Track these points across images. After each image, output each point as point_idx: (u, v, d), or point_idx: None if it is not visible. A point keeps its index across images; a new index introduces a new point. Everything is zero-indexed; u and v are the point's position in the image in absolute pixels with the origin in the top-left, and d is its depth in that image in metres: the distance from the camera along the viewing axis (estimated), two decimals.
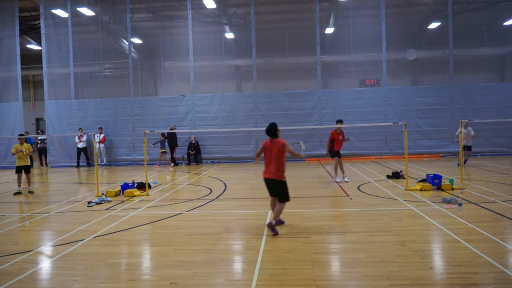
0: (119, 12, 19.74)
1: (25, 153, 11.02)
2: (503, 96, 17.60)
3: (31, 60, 24.03)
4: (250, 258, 5.15)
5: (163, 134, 17.31)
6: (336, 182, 11.20)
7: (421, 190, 9.36)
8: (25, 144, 11.23)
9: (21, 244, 6.12)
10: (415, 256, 4.98)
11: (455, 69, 17.92)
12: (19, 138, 11.30)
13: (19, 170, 11.13)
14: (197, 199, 9.41)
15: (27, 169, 11.21)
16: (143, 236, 6.43)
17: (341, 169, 11.40)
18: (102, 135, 18.48)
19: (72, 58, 19.27)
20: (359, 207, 7.91)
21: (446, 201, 7.94)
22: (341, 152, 11.51)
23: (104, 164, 18.72)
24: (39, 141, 19.63)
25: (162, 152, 17.39)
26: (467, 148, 14.21)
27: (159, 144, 17.42)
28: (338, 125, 11.17)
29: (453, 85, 17.88)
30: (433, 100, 17.81)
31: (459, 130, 13.63)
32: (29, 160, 11.46)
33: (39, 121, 28.13)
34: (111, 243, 6.01)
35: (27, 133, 17.92)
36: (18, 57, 19.47)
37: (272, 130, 6.49)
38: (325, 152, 11.30)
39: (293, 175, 13.32)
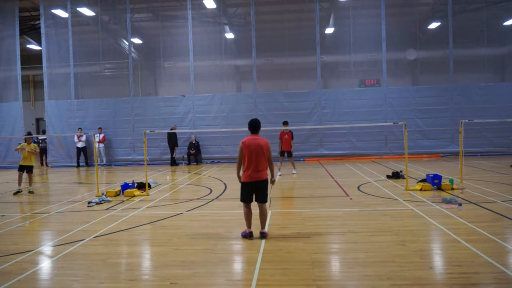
0: (119, 12, 19.73)
1: (28, 150, 11.02)
2: (503, 96, 17.59)
3: (31, 60, 24.01)
4: (250, 258, 5.15)
5: None
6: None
7: (421, 190, 9.35)
8: (32, 144, 11.26)
9: (21, 244, 6.12)
10: (415, 256, 4.98)
11: (455, 69, 17.91)
12: (26, 138, 11.37)
13: (21, 168, 11.14)
14: (197, 199, 9.40)
15: (29, 169, 11.23)
16: (143, 236, 6.43)
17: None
18: (101, 135, 18.47)
19: (72, 58, 19.26)
20: (359, 207, 7.90)
21: (446, 201, 7.94)
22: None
23: (104, 164, 18.72)
24: (40, 141, 19.64)
25: None
26: None
27: None
28: (285, 126, 12.52)
29: (453, 85, 17.87)
30: (433, 100, 17.79)
31: None
32: (33, 161, 11.46)
33: (39, 121, 28.10)
34: (111, 243, 6.00)
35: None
36: (18, 57, 19.46)
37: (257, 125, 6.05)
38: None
39: (293, 175, 13.31)
